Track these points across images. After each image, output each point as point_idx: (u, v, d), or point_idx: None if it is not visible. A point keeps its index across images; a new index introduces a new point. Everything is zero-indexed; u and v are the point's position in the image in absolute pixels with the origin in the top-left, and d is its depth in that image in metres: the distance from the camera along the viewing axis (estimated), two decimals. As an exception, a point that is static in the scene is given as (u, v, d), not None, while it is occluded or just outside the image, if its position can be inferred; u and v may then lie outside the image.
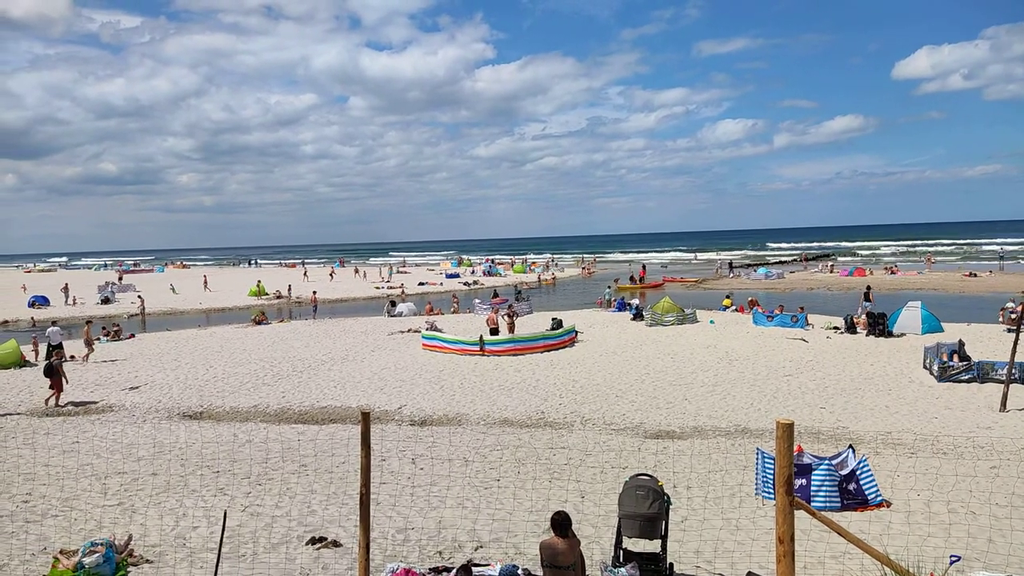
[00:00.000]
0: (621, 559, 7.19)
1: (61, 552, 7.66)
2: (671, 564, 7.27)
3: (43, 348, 26.05)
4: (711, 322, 31.06)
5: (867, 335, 26.48)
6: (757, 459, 10.89)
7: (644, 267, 68.68)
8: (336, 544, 8.67)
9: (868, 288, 35.49)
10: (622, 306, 36.40)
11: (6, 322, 40.70)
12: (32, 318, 41.01)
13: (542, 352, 24.71)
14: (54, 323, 29.52)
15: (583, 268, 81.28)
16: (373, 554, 6.07)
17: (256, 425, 16.44)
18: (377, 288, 59.05)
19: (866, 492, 10.26)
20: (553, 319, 29.48)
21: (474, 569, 7.11)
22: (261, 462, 12.66)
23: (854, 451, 11.18)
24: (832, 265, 69.20)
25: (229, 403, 18.57)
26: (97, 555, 7.32)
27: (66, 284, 56.42)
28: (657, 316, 30.61)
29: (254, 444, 14.09)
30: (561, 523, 6.54)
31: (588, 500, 10.42)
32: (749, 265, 77.90)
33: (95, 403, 18.67)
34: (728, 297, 38.04)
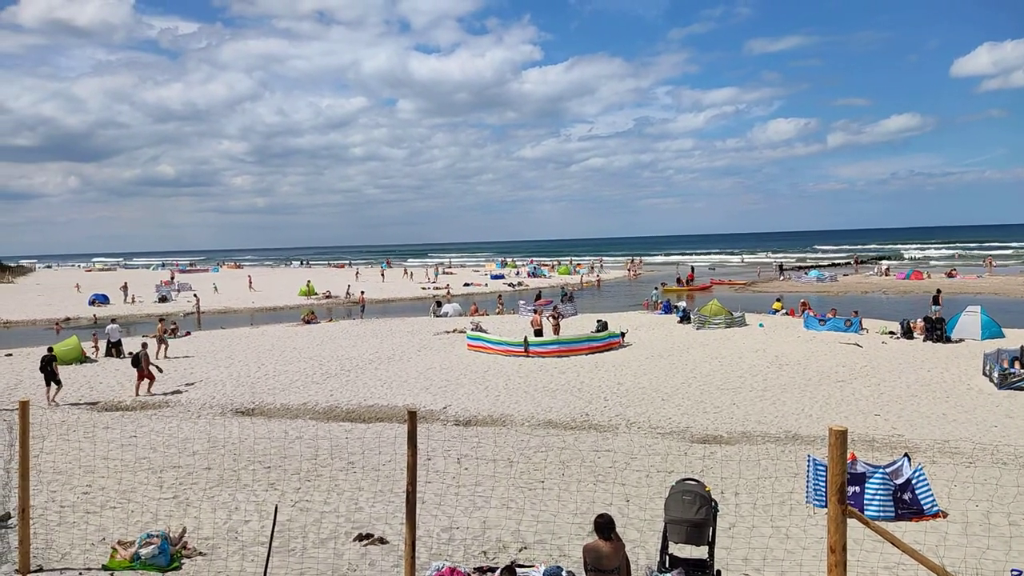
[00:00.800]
0: (667, 564, 7.12)
1: (119, 543, 7.93)
2: (719, 571, 7.17)
3: (103, 345, 27.04)
4: (760, 325, 30.50)
5: (924, 340, 25.67)
6: (808, 466, 10.66)
7: (692, 269, 67.86)
8: (383, 541, 8.78)
9: (938, 292, 34.36)
10: (668, 308, 36.02)
11: (68, 319, 42.31)
12: (94, 316, 42.58)
13: (587, 354, 24.62)
14: (113, 321, 30.59)
15: (629, 270, 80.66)
16: (419, 552, 6.14)
17: (305, 422, 16.76)
18: (423, 289, 59.64)
19: (922, 502, 9.95)
20: (598, 321, 29.34)
21: (518, 570, 7.13)
22: (310, 458, 12.90)
23: (909, 460, 10.85)
24: (888, 268, 67.26)
25: (280, 400, 18.98)
26: (153, 547, 7.55)
27: (125, 283, 58.45)
28: (705, 319, 30.20)
29: (303, 441, 14.37)
30: (605, 526, 6.51)
31: (633, 504, 10.34)
32: (800, 267, 76.21)
33: (156, 395, 19.31)
34: (778, 300, 37.32)
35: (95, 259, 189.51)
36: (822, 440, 13.85)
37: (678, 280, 56.80)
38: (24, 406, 6.76)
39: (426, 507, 10.11)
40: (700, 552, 7.50)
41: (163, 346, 25.80)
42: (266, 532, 8.26)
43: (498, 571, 6.96)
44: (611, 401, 17.91)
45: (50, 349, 20.38)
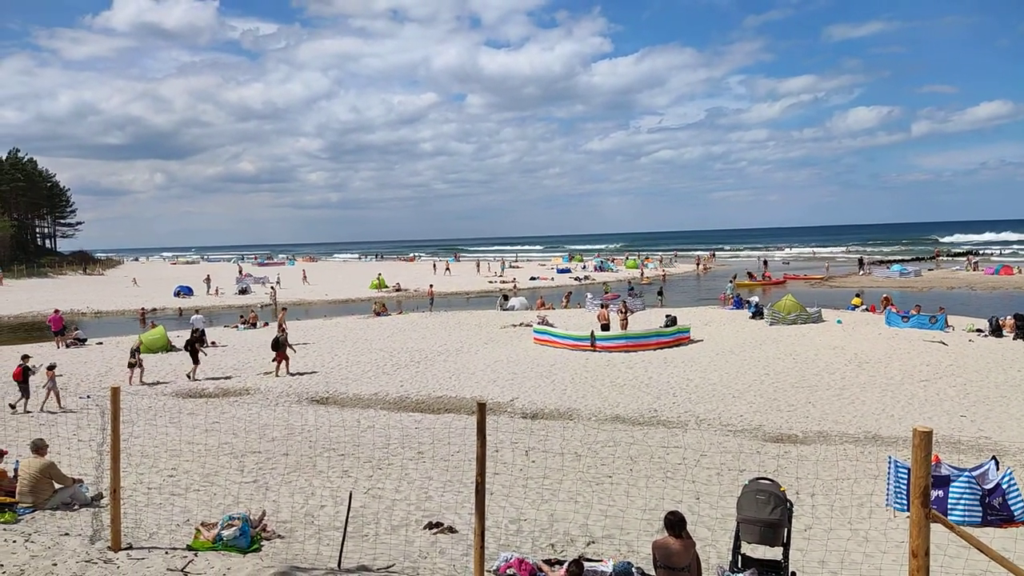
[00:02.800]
0: (739, 564, 6.99)
1: (203, 524, 8.28)
2: (793, 573, 6.99)
3: (186, 334, 28.29)
4: (838, 322, 29.45)
5: (1014, 338, 24.28)
6: (889, 468, 10.26)
7: (766, 263, 66.06)
8: (452, 530, 8.92)
9: None
10: (739, 303, 35.18)
11: (154, 310, 44.42)
12: (179, 308, 44.58)
13: (655, 349, 24.31)
14: (197, 311, 31.96)
15: (699, 264, 79.08)
16: (487, 542, 6.21)
17: (377, 412, 17.16)
18: (490, 282, 60.02)
19: (1011, 507, 9.46)
20: (667, 316, 28.92)
21: (586, 564, 7.13)
22: (381, 447, 13.20)
23: (998, 463, 10.32)
24: (976, 262, 63.85)
25: (352, 390, 19.48)
26: (234, 528, 7.87)
27: (208, 275, 60.95)
28: (779, 315, 29.36)
29: (375, 430, 14.70)
30: (675, 523, 6.44)
31: (703, 502, 10.18)
32: (881, 261, 73.14)
33: (228, 378, 20.11)
34: (858, 296, 35.93)
35: (179, 253, 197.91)
36: (903, 441, 13.32)
37: (749, 274, 55.37)
38: (115, 392, 7.14)
39: (494, 498, 10.20)
40: (774, 553, 7.33)
41: (284, 334, 26.44)
42: (340, 517, 8.51)
43: (566, 564, 6.97)
44: (680, 397, 17.65)
45: (195, 331, 22.81)
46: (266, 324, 34.41)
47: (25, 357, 18.15)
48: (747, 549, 7.29)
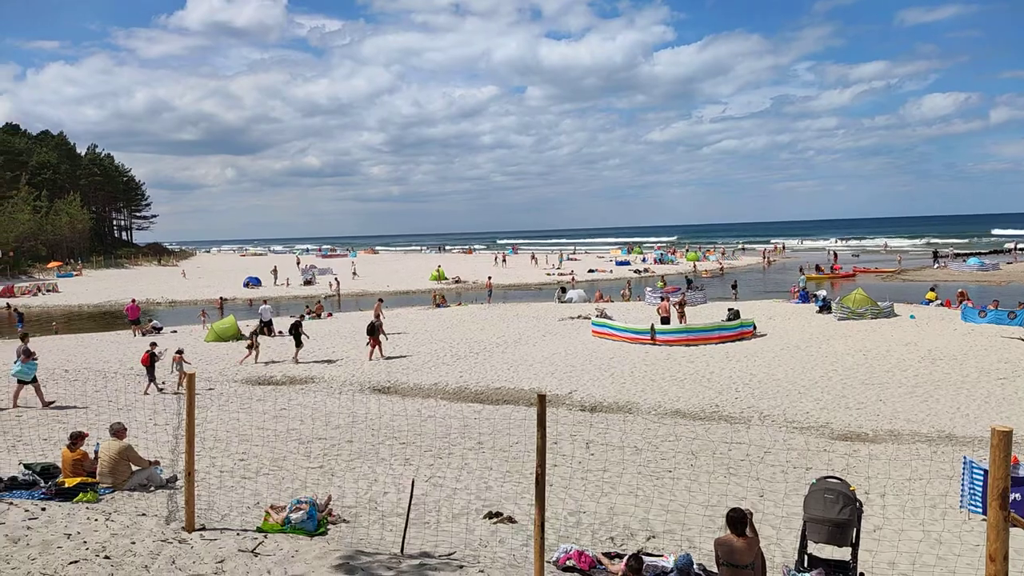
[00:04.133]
0: (806, 564, 6.83)
1: (272, 507, 8.56)
2: (862, 574, 6.80)
3: (255, 323, 29.22)
4: (911, 317, 28.36)
5: (1107, 337, 22.93)
6: (964, 469, 9.86)
7: (835, 255, 64.03)
8: (512, 520, 8.98)
9: None
10: (805, 297, 34.23)
11: (225, 300, 45.99)
12: (249, 300, 46.06)
13: (716, 343, 23.89)
14: (265, 302, 32.94)
15: (765, 257, 77.17)
16: (547, 533, 6.23)
17: (437, 402, 17.39)
18: (548, 275, 60.00)
19: (1102, 516, 8.95)
20: (729, 309, 28.36)
21: (646, 559, 7.08)
22: (442, 437, 13.37)
23: (1087, 468, 9.78)
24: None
25: (413, 380, 19.78)
26: (302, 512, 8.11)
27: (275, 266, 62.81)
28: (848, 309, 28.45)
29: (435, 419, 14.90)
30: (738, 521, 6.35)
31: (768, 499, 9.98)
32: (958, 254, 69.97)
33: (276, 360, 20.67)
34: (932, 290, 34.53)
35: (248, 245, 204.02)
36: (980, 441, 12.77)
37: (816, 267, 53.79)
38: (191, 379, 7.44)
39: (553, 490, 10.22)
40: (842, 553, 7.14)
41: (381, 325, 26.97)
42: (402, 504, 8.67)
43: (626, 557, 6.94)
44: (743, 392, 17.31)
45: (301, 316, 24.93)
46: (331, 314, 35.25)
47: (153, 344, 19.46)
48: (814, 548, 7.13)
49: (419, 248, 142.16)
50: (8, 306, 41.66)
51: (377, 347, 22.84)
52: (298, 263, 75.28)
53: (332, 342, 26.32)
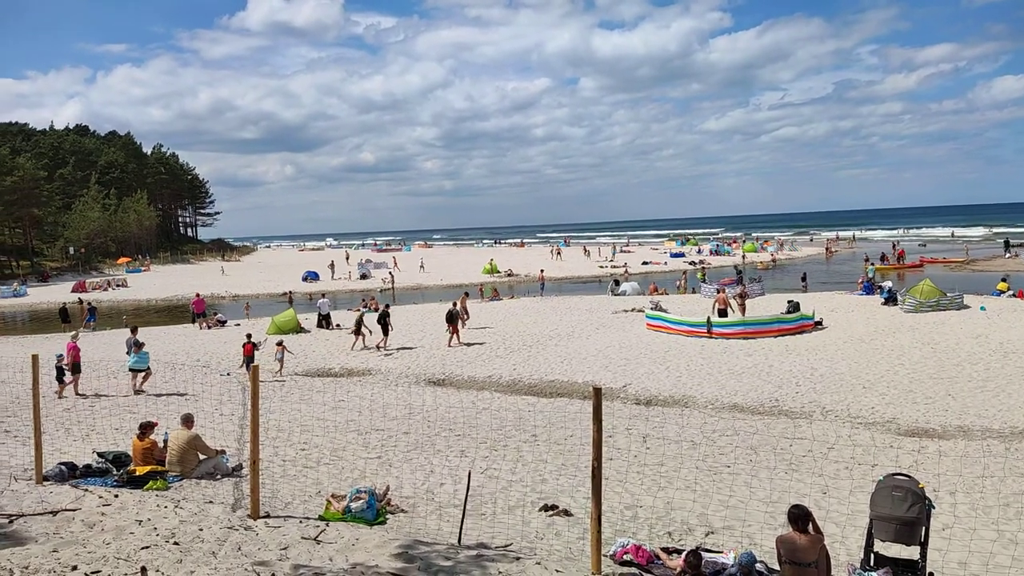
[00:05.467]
0: (872, 563, 6.64)
1: (333, 496, 8.75)
2: (931, 573, 6.57)
3: (314, 316, 29.88)
4: (982, 308, 27.18)
5: None
6: (1042, 468, 9.42)
7: (895, 245, 61.83)
8: (567, 513, 8.97)
9: None
10: (870, 289, 33.14)
11: (284, 294, 47.16)
12: (308, 294, 47.10)
13: (776, 336, 23.34)
14: (323, 295, 33.63)
15: (827, 248, 74.88)
16: (603, 527, 6.21)
17: (491, 394, 17.49)
18: (601, 267, 59.61)
19: None
20: (789, 302, 27.67)
21: (705, 555, 6.98)
22: (496, 429, 13.44)
23: None
24: None
25: (467, 373, 19.93)
26: (362, 501, 8.27)
27: (332, 261, 64.04)
28: (915, 301, 27.43)
29: (490, 412, 14.99)
30: (800, 518, 6.21)
31: (831, 496, 9.73)
32: (1032, 243, 66.71)
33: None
34: (1004, 280, 33.00)
35: (307, 240, 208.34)
36: (1060, 440, 12.17)
37: (882, 257, 52.03)
38: (255, 371, 7.64)
39: (609, 484, 10.16)
40: (910, 552, 6.91)
41: (465, 316, 27.28)
42: (459, 495, 8.75)
43: (685, 553, 6.86)
44: (804, 387, 16.89)
45: (387, 306, 26.15)
46: (387, 306, 35.73)
47: (249, 336, 20.80)
48: (880, 547, 6.92)
49: (472, 242, 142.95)
50: (81, 301, 43.54)
51: (456, 334, 23.83)
52: (347, 258, 76.12)
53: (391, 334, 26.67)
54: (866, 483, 9.55)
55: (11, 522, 6.47)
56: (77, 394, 16.85)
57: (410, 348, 23.89)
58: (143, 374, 17.48)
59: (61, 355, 17.09)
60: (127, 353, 18.15)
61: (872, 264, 42.88)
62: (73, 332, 21.45)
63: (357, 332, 24.10)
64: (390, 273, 53.71)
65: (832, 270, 53.55)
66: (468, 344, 23.84)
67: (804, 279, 39.81)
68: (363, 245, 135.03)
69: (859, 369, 18.42)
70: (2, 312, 49.33)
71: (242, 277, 64.15)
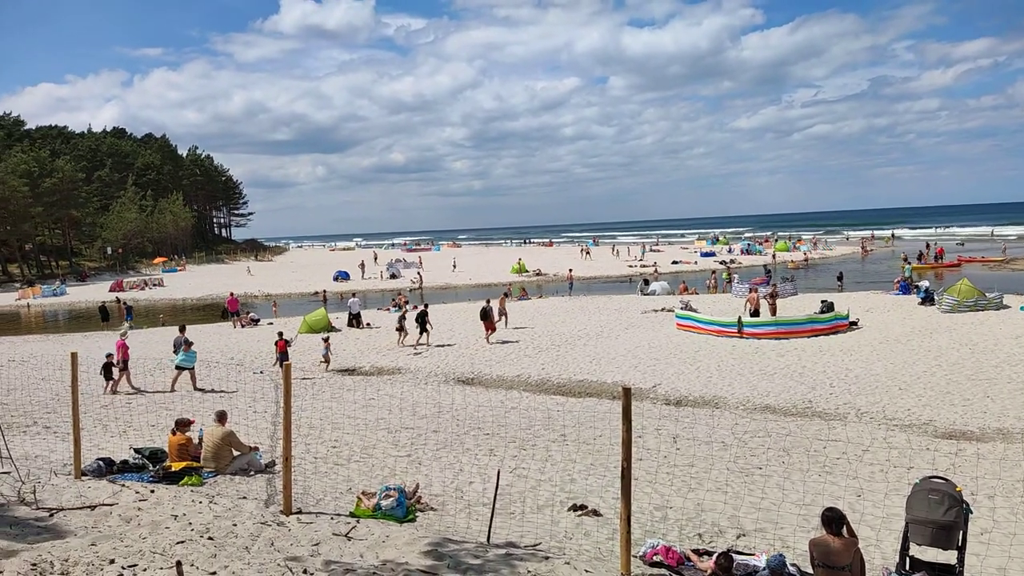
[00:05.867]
0: (907, 567, 6.51)
1: (363, 493, 8.83)
2: (969, 580, 6.43)
3: (345, 316, 30.19)
4: (1022, 309, 26.51)
5: None
6: (1087, 473, 9.16)
7: (928, 244, 60.50)
8: (596, 513, 8.94)
9: None
10: (906, 289, 32.50)
11: (316, 293, 47.69)
12: (339, 293, 47.60)
13: (809, 337, 23.01)
14: (353, 295, 33.94)
15: (863, 247, 73.53)
16: (632, 528, 6.17)
17: (519, 394, 17.49)
18: (630, 266, 59.28)
19: None
20: (823, 302, 27.25)
21: (737, 557, 6.91)
22: (525, 428, 13.45)
23: None
24: None
25: (496, 372, 19.97)
26: (392, 499, 8.33)
27: (362, 261, 64.62)
28: (952, 301, 26.83)
29: (518, 411, 14.99)
30: (834, 520, 6.11)
31: (866, 499, 9.56)
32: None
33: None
34: (1046, 280, 32.12)
35: (338, 240, 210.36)
36: (1106, 444, 11.81)
37: (919, 256, 50.96)
38: (287, 369, 7.74)
39: (638, 484, 10.10)
40: (947, 556, 6.77)
41: (504, 317, 27.53)
42: (487, 494, 8.77)
43: (716, 555, 6.79)
44: (838, 388, 16.62)
45: (426, 305, 26.65)
46: (416, 307, 35.98)
47: (281, 333, 21.37)
48: (916, 551, 6.79)
49: (500, 241, 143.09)
50: (118, 300, 44.51)
51: (491, 331, 24.40)
52: (375, 259, 76.46)
53: (415, 334, 26.82)
54: (902, 486, 9.38)
55: (51, 516, 6.64)
56: (132, 388, 17.51)
57: (450, 345, 24.23)
58: (190, 372, 17.98)
59: (111, 353, 17.69)
60: (175, 351, 18.70)
61: (909, 263, 42.01)
62: (122, 330, 22.06)
63: (400, 329, 24.59)
64: (418, 273, 54.00)
65: (868, 269, 52.61)
66: (502, 342, 24.08)
67: (840, 278, 39.12)
68: (392, 245, 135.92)
69: (895, 370, 18.07)
70: (43, 311, 50.63)
71: (274, 276, 65.02)
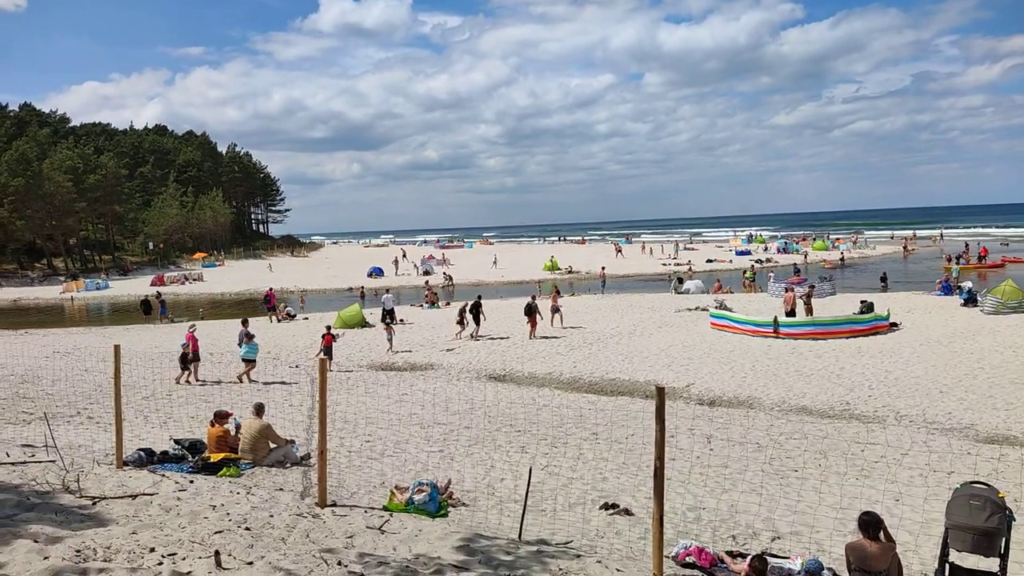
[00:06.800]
0: (947, 574, 6.37)
1: (396, 487, 8.92)
2: (1012, 589, 6.26)
3: (378, 311, 30.46)
4: (1071, 311, 25.66)
5: None
6: None
7: (967, 245, 58.88)
8: (628, 512, 8.90)
9: None
10: (948, 289, 31.70)
11: (350, 289, 48.19)
12: (374, 289, 48.06)
13: (847, 337, 22.59)
14: (387, 291, 34.22)
15: (905, 247, 71.85)
16: (665, 528, 6.13)
17: (551, 391, 17.48)
18: (664, 265, 58.80)
19: None
20: (863, 302, 26.73)
21: (772, 560, 6.83)
22: (556, 426, 13.44)
23: None
24: None
25: (527, 369, 19.98)
26: (424, 494, 8.40)
27: (396, 258, 65.11)
28: (996, 302, 26.10)
29: (550, 409, 15.00)
30: (872, 524, 6.02)
31: (904, 504, 9.37)
32: None
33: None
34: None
35: (372, 236, 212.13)
36: None
37: (959, 257, 49.65)
38: (323, 363, 7.85)
39: (671, 484, 10.01)
40: (988, 564, 6.61)
41: (558, 314, 27.10)
42: (519, 490, 8.79)
43: (750, 557, 6.72)
44: (877, 390, 16.30)
45: (479, 297, 27.31)
46: (448, 303, 36.17)
47: (328, 327, 22.07)
48: (956, 558, 6.63)
49: (533, 238, 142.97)
50: (158, 295, 45.53)
51: (535, 327, 24.57)
52: (403, 256, 75.63)
53: (450, 330, 26.98)
54: (941, 491, 9.17)
55: (94, 504, 6.82)
56: (196, 380, 18.18)
57: (502, 338, 24.77)
58: (250, 364, 18.70)
59: (185, 344, 18.46)
60: (238, 344, 19.51)
61: (956, 264, 40.97)
62: (192, 324, 22.73)
63: (461, 322, 25.03)
64: (444, 274, 54.10)
65: (910, 269, 51.48)
66: (544, 337, 24.39)
67: (884, 279, 38.25)
68: (424, 242, 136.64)
69: (936, 373, 17.66)
70: (86, 304, 52.00)
71: (308, 272, 65.84)
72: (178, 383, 17.78)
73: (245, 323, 20.75)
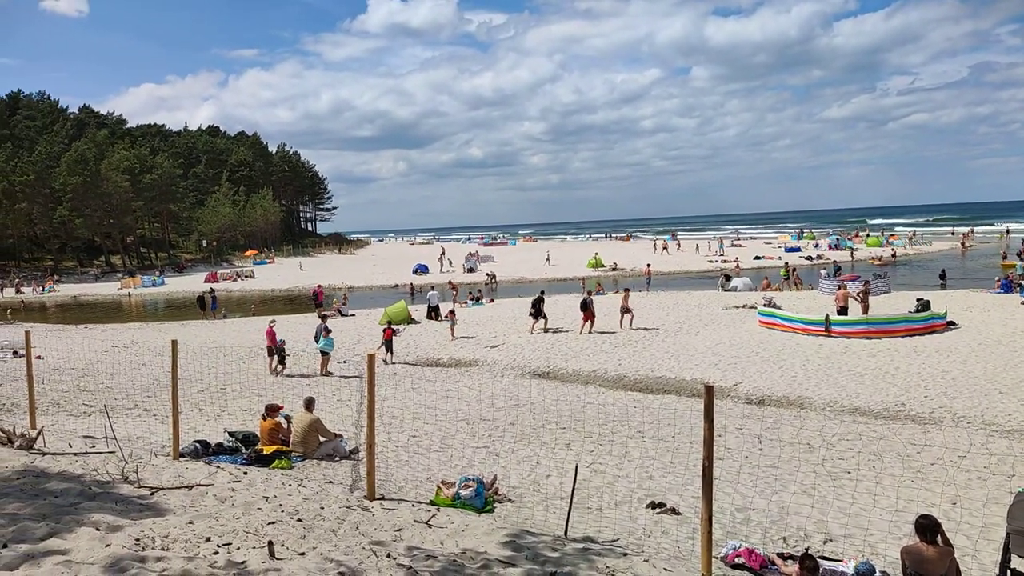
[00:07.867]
0: (1010, 581, 6.16)
1: (442, 482, 8.99)
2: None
3: (424, 308, 30.75)
4: None
5: None
6: None
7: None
8: (675, 512, 8.82)
9: None
10: (1008, 287, 30.54)
11: (396, 285, 48.74)
12: (419, 285, 48.53)
13: (902, 336, 21.94)
14: (432, 288, 34.51)
15: (962, 243, 69.39)
16: (713, 528, 6.06)
17: (596, 389, 17.41)
18: (710, 262, 57.96)
19: None
20: (919, 300, 25.93)
21: (823, 563, 6.70)
22: (601, 424, 13.39)
23: None
24: None
25: (572, 366, 19.93)
26: (470, 489, 8.45)
27: (441, 255, 65.59)
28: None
29: (595, 406, 14.94)
30: (929, 528, 5.86)
31: (962, 508, 9.08)
32: None
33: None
34: None
35: (417, 234, 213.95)
36: None
37: (1019, 254, 47.69)
38: (371, 359, 7.95)
39: (718, 484, 9.90)
40: (1054, 573, 6.36)
41: (629, 315, 26.84)
42: (564, 487, 8.79)
43: (800, 557, 6.60)
44: (933, 391, 15.81)
45: (542, 292, 27.69)
46: (492, 300, 36.30)
47: (389, 322, 23.29)
48: (1018, 563, 6.41)
49: (577, 235, 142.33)
50: (211, 291, 46.73)
51: (589, 322, 24.74)
52: (443, 253, 74.58)
53: (494, 326, 27.09)
54: (1002, 495, 8.87)
55: (152, 494, 7.04)
56: (278, 373, 19.01)
57: (562, 330, 25.32)
58: (327, 357, 19.52)
59: (283, 340, 19.61)
60: (315, 339, 20.58)
61: (1021, 261, 39.38)
62: (271, 319, 23.49)
63: (535, 316, 25.54)
64: (486, 274, 54.10)
65: (968, 266, 49.76)
66: (601, 332, 24.57)
67: (943, 276, 36.93)
68: (468, 239, 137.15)
69: (995, 373, 17.04)
70: (143, 300, 53.70)
71: (355, 270, 66.78)
72: (273, 374, 18.82)
73: (324, 318, 21.46)
